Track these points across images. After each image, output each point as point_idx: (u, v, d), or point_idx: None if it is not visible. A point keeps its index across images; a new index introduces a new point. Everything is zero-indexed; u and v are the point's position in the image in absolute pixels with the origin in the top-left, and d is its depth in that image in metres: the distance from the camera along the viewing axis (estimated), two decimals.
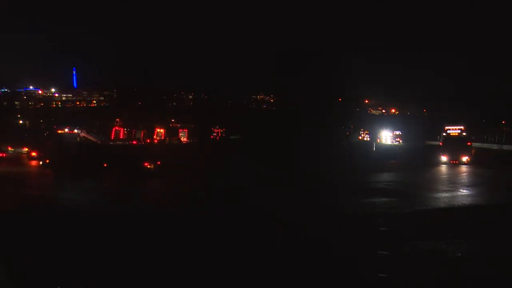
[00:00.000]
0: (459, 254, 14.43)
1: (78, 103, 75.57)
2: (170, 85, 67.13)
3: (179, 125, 60.77)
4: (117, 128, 55.74)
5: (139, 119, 58.48)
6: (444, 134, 56.26)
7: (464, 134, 55.49)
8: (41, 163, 36.27)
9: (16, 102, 71.99)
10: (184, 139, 58.89)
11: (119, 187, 30.63)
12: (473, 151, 53.10)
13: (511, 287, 11.63)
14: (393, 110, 79.56)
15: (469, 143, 53.85)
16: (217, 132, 62.26)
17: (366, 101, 79.02)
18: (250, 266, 13.24)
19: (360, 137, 71.00)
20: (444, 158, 50.98)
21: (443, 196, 28.51)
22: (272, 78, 65.59)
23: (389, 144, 68.84)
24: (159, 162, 37.39)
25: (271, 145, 49.11)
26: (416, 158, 51.64)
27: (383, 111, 79.76)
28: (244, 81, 70.01)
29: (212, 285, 12.32)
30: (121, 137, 54.96)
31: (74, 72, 76.39)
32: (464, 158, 50.49)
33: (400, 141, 70.32)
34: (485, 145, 62.45)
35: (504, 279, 11.69)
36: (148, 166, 35.93)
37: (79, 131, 49.12)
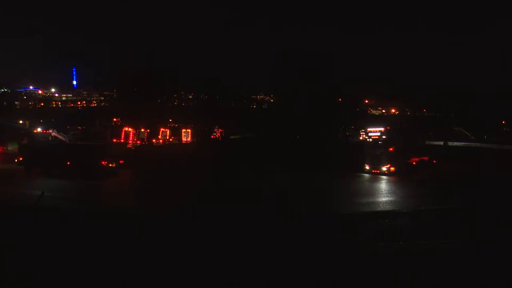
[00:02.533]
0: None
1: (79, 103, 75.71)
2: (170, 84, 67.26)
3: (176, 125, 60.99)
4: (127, 128, 56.98)
5: (140, 119, 58.78)
6: (366, 137, 45.74)
7: (383, 137, 45.26)
8: (16, 160, 38.36)
9: (16, 102, 72.10)
10: (187, 138, 59.19)
11: (74, 184, 32.74)
12: (414, 159, 43.67)
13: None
14: (393, 110, 79.57)
15: (391, 149, 44.46)
16: (220, 132, 62.48)
17: (366, 101, 79.09)
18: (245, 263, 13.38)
19: (361, 138, 70.47)
20: (367, 167, 42.30)
21: None
22: (272, 78, 65.71)
23: None
24: (121, 161, 38.95)
25: (269, 145, 49.25)
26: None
27: (383, 111, 79.75)
28: (244, 81, 70.39)
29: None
30: (131, 137, 56.35)
31: (74, 72, 76.66)
32: (385, 168, 41.16)
33: None
34: (484, 145, 62.35)
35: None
36: (110, 165, 37.47)
37: (51, 131, 50.28)
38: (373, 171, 41.17)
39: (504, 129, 65.71)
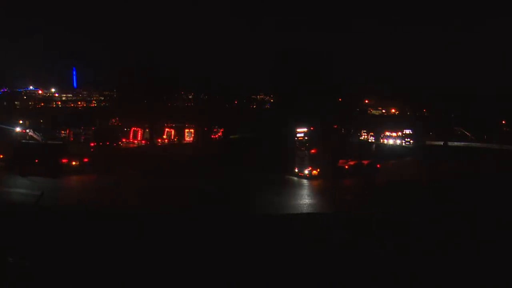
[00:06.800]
0: None
1: (79, 103, 75.71)
2: (170, 84, 67.27)
3: (173, 125, 61.97)
4: (135, 128, 58.95)
5: (140, 119, 59.35)
6: (295, 138, 43.17)
7: (306, 138, 42.73)
8: None
9: (16, 102, 72.04)
10: (190, 138, 60.07)
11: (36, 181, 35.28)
12: (347, 163, 40.82)
13: None
14: (393, 110, 79.48)
15: (313, 151, 41.17)
16: (222, 132, 63.22)
17: (366, 101, 78.95)
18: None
19: (362, 138, 70.33)
20: (296, 169, 40.42)
21: None
22: (272, 78, 65.57)
23: (392, 145, 68.00)
24: (86, 159, 41.02)
25: (261, 143, 49.14)
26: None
27: (383, 111, 79.65)
28: (245, 81, 70.21)
29: None
30: (139, 137, 58.56)
31: (74, 72, 76.42)
32: (307, 171, 39.27)
33: (411, 141, 68.15)
34: (485, 145, 62.30)
35: None
36: (72, 163, 40.00)
37: (28, 131, 51.54)
38: (299, 174, 39.78)
39: (504, 129, 65.69)
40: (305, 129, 43.03)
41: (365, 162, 42.26)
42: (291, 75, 60.02)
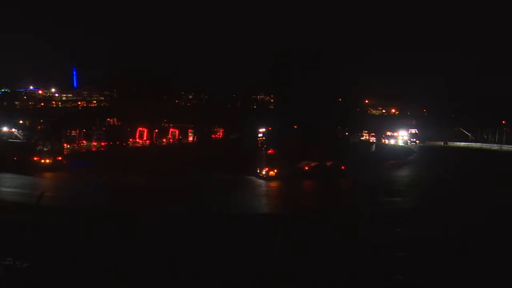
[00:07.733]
0: None
1: (79, 103, 75.90)
2: (170, 85, 67.48)
3: (171, 125, 62.80)
4: (141, 129, 60.28)
5: (140, 119, 59.74)
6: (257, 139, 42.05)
7: (263, 139, 41.97)
8: None
9: (16, 102, 72.27)
10: (191, 138, 61.49)
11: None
12: (308, 164, 39.33)
13: None
14: (393, 110, 79.58)
15: (270, 151, 39.88)
16: (222, 132, 63.81)
17: (366, 101, 79.04)
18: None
19: (363, 138, 70.29)
20: (258, 170, 39.32)
21: None
22: (272, 78, 65.71)
23: (394, 145, 67.82)
24: (59, 158, 42.51)
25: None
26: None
27: (383, 111, 79.77)
28: (244, 81, 70.37)
29: None
30: (144, 137, 60.14)
31: (74, 72, 76.54)
32: (264, 171, 38.54)
33: (417, 141, 67.71)
34: (485, 146, 62.40)
35: None
36: (44, 161, 41.37)
37: (14, 130, 53.13)
38: (259, 174, 39.09)
39: (504, 129, 65.86)
40: (264, 129, 43.06)
41: (329, 163, 40.63)
42: (291, 74, 60.15)
